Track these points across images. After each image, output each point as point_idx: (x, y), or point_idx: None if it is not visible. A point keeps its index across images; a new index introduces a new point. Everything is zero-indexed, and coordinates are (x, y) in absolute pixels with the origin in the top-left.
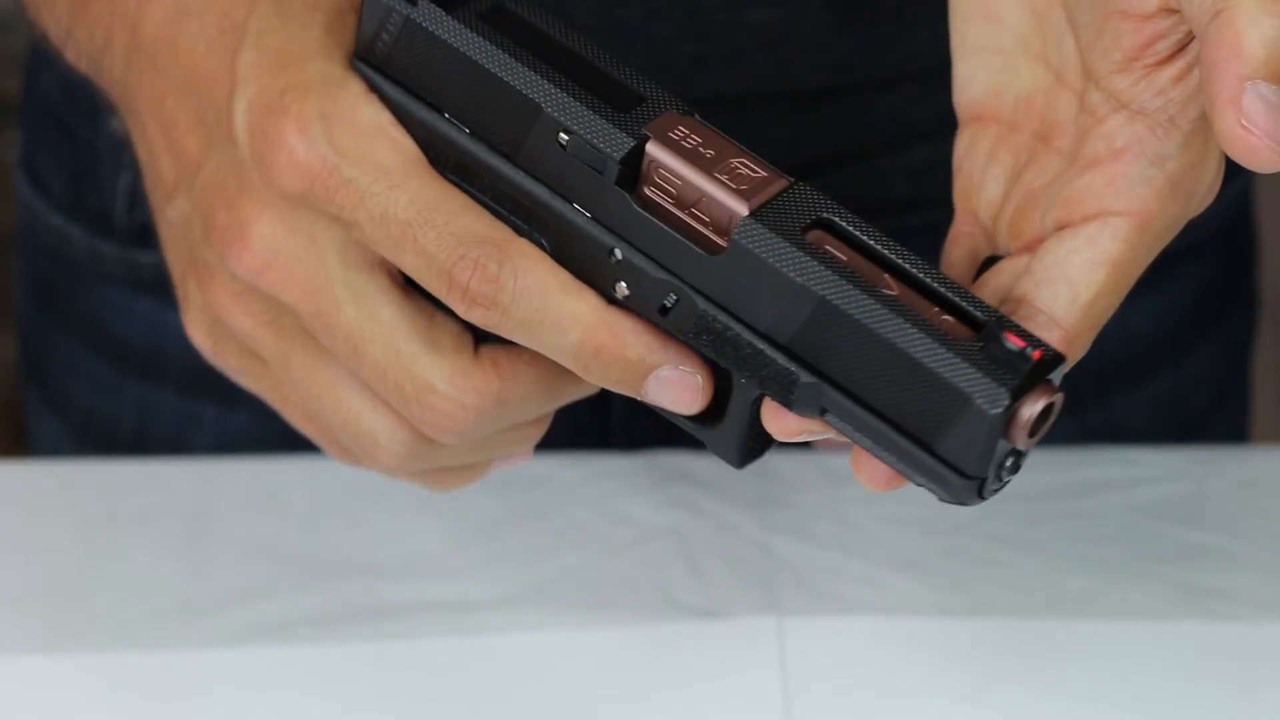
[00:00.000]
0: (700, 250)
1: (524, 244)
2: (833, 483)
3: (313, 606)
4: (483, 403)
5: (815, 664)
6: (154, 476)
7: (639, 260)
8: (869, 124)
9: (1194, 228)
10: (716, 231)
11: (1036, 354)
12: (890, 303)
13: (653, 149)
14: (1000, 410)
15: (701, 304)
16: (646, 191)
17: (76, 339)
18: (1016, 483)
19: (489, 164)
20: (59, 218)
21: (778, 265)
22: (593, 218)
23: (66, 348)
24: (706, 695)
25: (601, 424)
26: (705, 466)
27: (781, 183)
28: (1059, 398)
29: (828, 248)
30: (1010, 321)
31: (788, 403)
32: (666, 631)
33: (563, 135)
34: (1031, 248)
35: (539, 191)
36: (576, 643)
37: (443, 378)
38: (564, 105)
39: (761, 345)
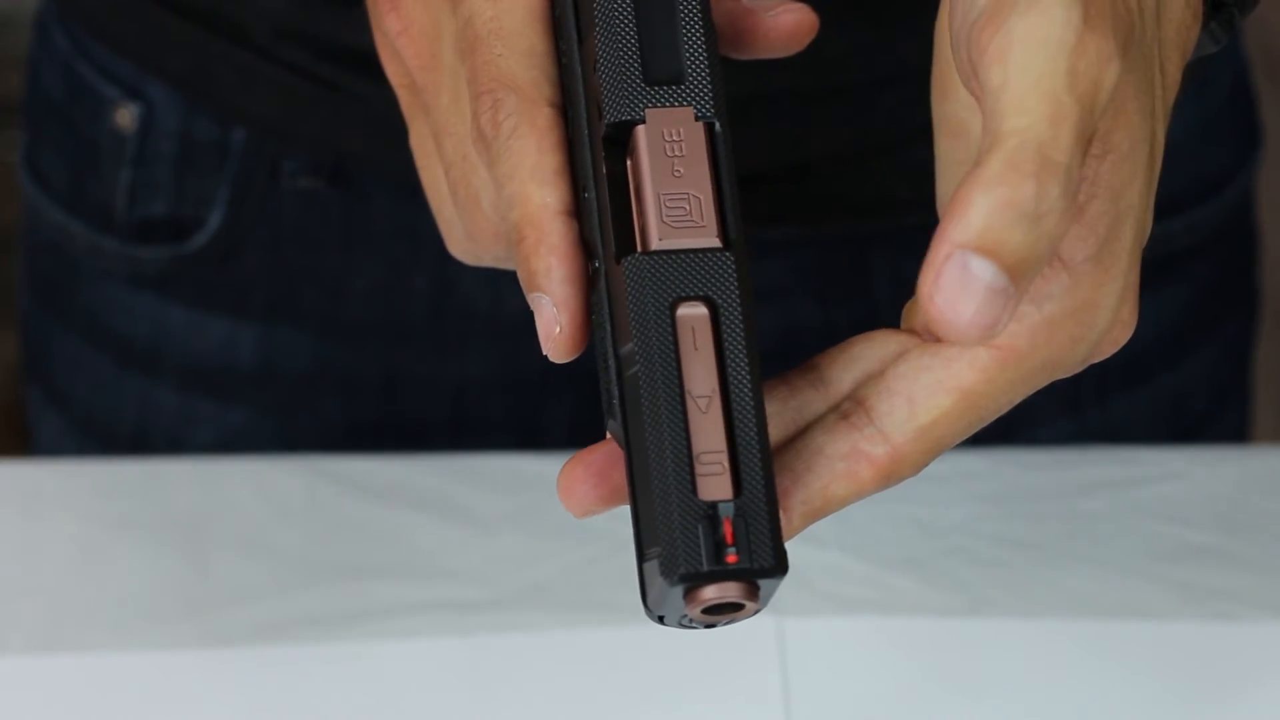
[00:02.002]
0: (615, 247)
1: (547, 112)
2: None
3: (313, 606)
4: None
5: (815, 664)
6: (154, 476)
7: (593, 210)
8: (869, 124)
9: (1194, 229)
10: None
11: (730, 558)
12: (673, 418)
13: (639, 136)
14: (673, 578)
15: (602, 288)
16: (628, 162)
17: (77, 335)
18: (1017, 483)
19: (566, 35)
20: (60, 213)
21: (629, 312)
22: (588, 142)
23: (67, 344)
24: (706, 695)
25: (602, 424)
26: None
27: (710, 241)
28: (750, 607)
29: (685, 328)
30: (758, 511)
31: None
32: (666, 631)
33: (597, 65)
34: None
35: (576, 89)
36: (576, 643)
37: (488, 198)
38: (610, 40)
39: (610, 361)
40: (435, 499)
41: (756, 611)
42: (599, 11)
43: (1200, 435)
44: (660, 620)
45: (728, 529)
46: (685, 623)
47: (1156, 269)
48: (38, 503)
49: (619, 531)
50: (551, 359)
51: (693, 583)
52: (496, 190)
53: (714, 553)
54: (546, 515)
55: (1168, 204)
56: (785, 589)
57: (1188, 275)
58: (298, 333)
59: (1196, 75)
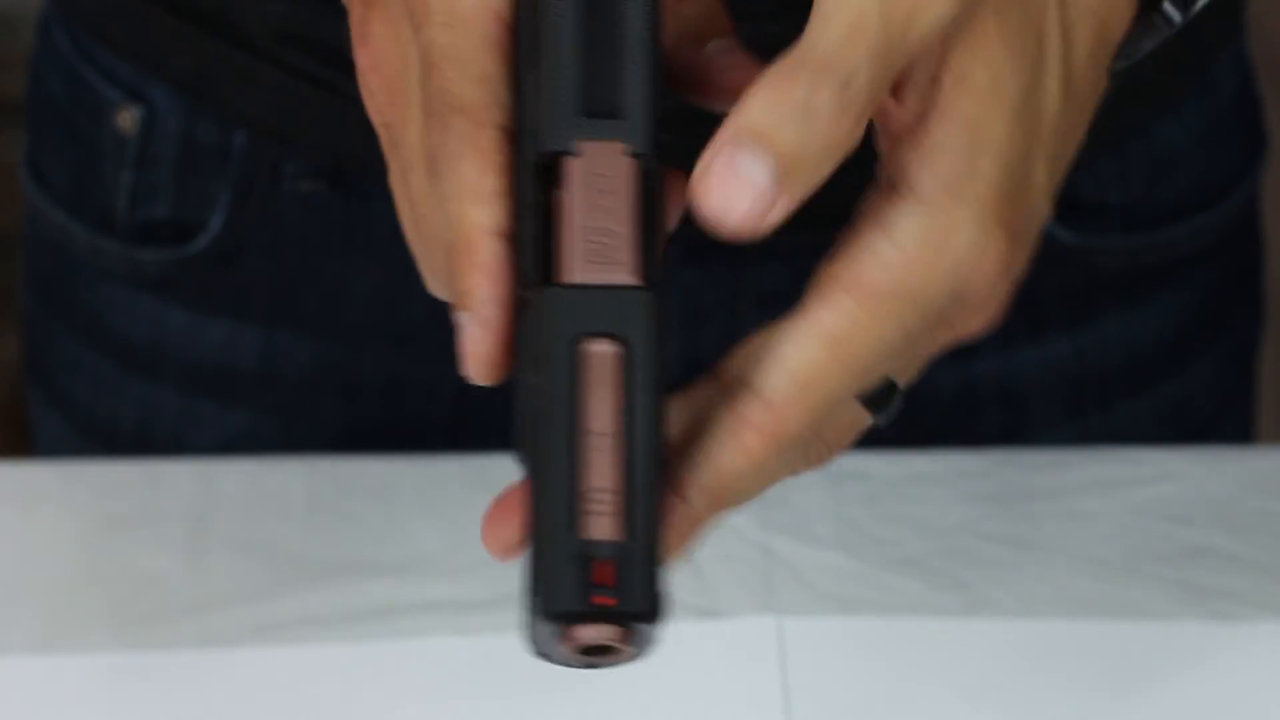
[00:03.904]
0: (535, 277)
1: (491, 134)
2: (833, 483)
3: (313, 606)
4: None
5: (815, 664)
6: (154, 476)
7: (523, 237)
8: (869, 128)
9: (1198, 235)
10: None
11: (601, 600)
12: (561, 454)
13: (568, 168)
14: (543, 616)
15: (526, 317)
16: (557, 193)
17: (78, 337)
18: (1017, 483)
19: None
20: (61, 215)
21: (532, 348)
22: (524, 169)
23: (68, 345)
24: (706, 695)
25: None
26: None
27: (627, 279)
28: (626, 651)
29: (592, 364)
30: (639, 554)
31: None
32: (666, 631)
33: (533, 88)
34: None
35: (524, 117)
36: None
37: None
38: (551, 70)
39: (520, 393)
40: (436, 499)
41: (636, 656)
42: (544, 41)
43: (1204, 442)
44: (545, 658)
45: (605, 570)
46: (566, 662)
47: (1160, 275)
48: (38, 503)
49: None
50: (472, 380)
51: (563, 621)
52: (441, 213)
53: (584, 593)
54: None
55: (1172, 210)
56: (785, 589)
57: (1191, 282)
58: (299, 335)
59: (1197, 74)
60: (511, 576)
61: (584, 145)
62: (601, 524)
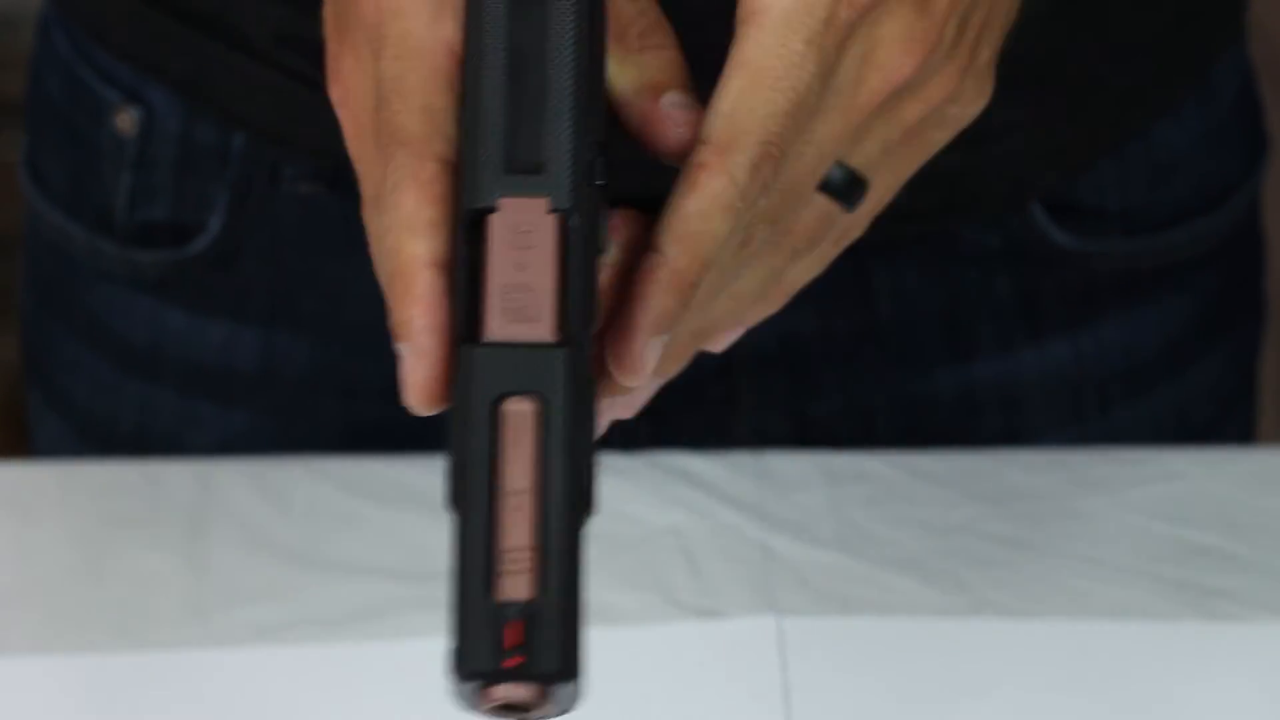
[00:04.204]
0: (461, 332)
1: (431, 167)
2: (833, 483)
3: (313, 606)
4: None
5: (815, 664)
6: (154, 476)
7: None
8: None
9: (1199, 239)
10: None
11: (511, 661)
12: (477, 514)
13: (490, 224)
14: (456, 676)
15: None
16: (479, 247)
17: (77, 338)
18: (1017, 483)
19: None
20: (60, 216)
21: (455, 405)
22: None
23: (67, 346)
24: (706, 695)
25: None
26: (705, 466)
27: (544, 336)
28: (542, 709)
29: (509, 422)
30: (552, 613)
31: None
32: (666, 631)
33: (463, 143)
34: None
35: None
36: None
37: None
38: (476, 125)
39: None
40: (436, 499)
41: (555, 714)
42: (470, 96)
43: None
44: (473, 712)
45: (515, 630)
46: (490, 717)
47: (1160, 279)
48: (37, 503)
49: (618, 533)
50: (413, 410)
51: (475, 680)
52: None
53: (495, 654)
54: None
55: (1172, 214)
56: (785, 589)
57: (1192, 285)
58: (297, 336)
59: (1197, 77)
60: None
61: (505, 202)
62: (516, 583)
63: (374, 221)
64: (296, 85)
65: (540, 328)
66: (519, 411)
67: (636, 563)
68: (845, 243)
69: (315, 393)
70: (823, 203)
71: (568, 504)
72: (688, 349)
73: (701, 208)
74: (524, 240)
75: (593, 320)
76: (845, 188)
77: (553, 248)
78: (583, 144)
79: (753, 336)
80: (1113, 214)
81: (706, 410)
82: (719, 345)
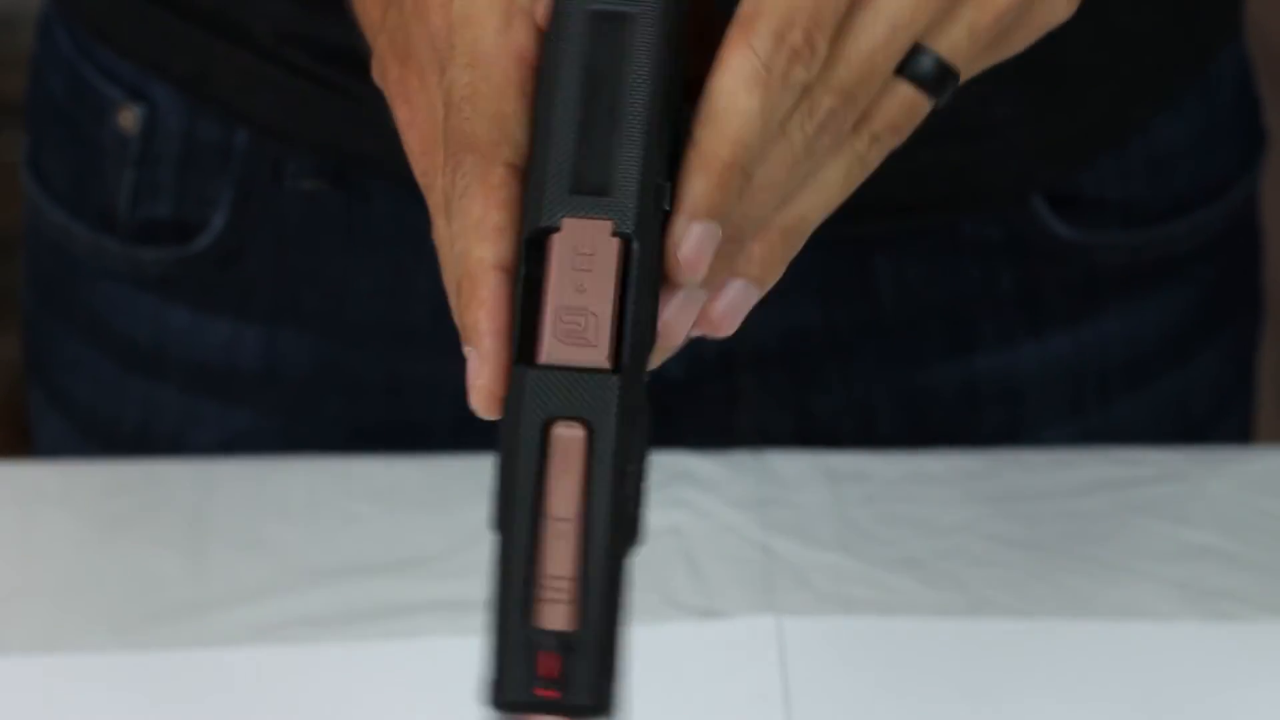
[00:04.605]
0: (517, 353)
1: (500, 172)
2: (833, 483)
3: (313, 606)
4: None
5: (815, 664)
6: (154, 476)
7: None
8: None
9: (1198, 232)
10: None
11: (543, 692)
12: (519, 540)
13: (551, 245)
14: (488, 704)
15: None
16: (542, 265)
17: (79, 336)
18: (1017, 483)
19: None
20: (63, 215)
21: (501, 429)
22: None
23: (69, 345)
24: (706, 695)
25: None
26: (705, 466)
27: (598, 361)
28: None
29: (558, 447)
30: (589, 646)
31: None
32: (666, 631)
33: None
34: None
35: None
36: None
37: None
38: (546, 145)
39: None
40: (436, 499)
41: None
42: (541, 111)
43: (1203, 438)
44: None
45: (551, 661)
46: None
47: (1160, 271)
48: (38, 503)
49: None
50: (478, 413)
51: (506, 710)
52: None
53: (529, 684)
54: None
55: (1172, 206)
56: (785, 589)
57: (1191, 278)
58: (301, 335)
59: (1196, 72)
60: None
61: (569, 222)
62: (555, 613)
63: (442, 229)
64: (300, 82)
65: (595, 353)
66: (568, 437)
67: (637, 563)
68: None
69: (318, 391)
70: (908, 91)
71: (611, 535)
72: (782, 246)
73: (725, 84)
74: (585, 262)
75: (651, 348)
76: (934, 78)
77: (613, 272)
78: (651, 170)
79: (754, 332)
80: (1113, 206)
81: (708, 408)
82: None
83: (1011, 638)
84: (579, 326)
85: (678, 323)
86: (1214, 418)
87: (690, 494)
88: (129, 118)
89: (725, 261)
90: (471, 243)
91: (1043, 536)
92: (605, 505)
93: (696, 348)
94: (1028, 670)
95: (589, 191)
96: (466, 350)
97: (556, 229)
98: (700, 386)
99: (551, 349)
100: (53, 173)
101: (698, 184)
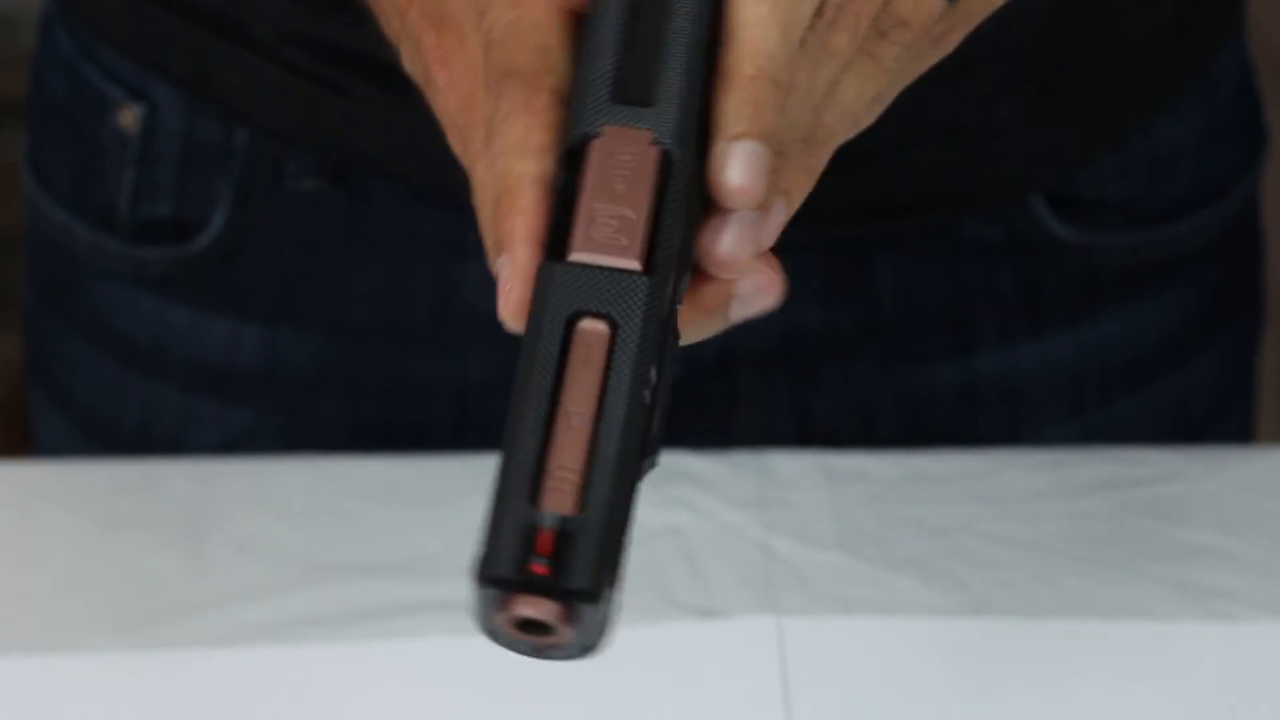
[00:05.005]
0: (548, 252)
1: (544, 97)
2: (833, 483)
3: (313, 606)
4: None
5: (815, 664)
6: (154, 476)
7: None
8: (871, 127)
9: (1199, 232)
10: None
11: (536, 568)
12: (531, 426)
13: (590, 149)
14: (477, 579)
15: None
16: (580, 171)
17: (80, 335)
18: (1017, 483)
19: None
20: (63, 214)
21: (530, 318)
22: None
23: (70, 344)
24: (706, 695)
25: None
26: (705, 466)
27: (629, 263)
28: (565, 633)
29: (581, 342)
30: (591, 531)
31: None
32: (666, 631)
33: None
34: None
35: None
36: None
37: None
38: (592, 55)
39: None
40: (437, 499)
41: (581, 646)
42: (589, 24)
43: (1204, 438)
44: (493, 636)
45: (546, 540)
46: (514, 645)
47: (1161, 272)
48: (38, 503)
49: None
50: (507, 326)
51: (495, 587)
52: (491, 174)
53: (522, 560)
54: None
55: (1173, 207)
56: (785, 589)
57: (1192, 278)
58: (301, 334)
59: (1197, 72)
60: None
61: (609, 129)
62: (559, 499)
63: (483, 171)
64: (301, 81)
65: (626, 255)
66: (591, 331)
67: (636, 563)
68: (943, 46)
69: (318, 390)
70: None
71: (624, 432)
72: (806, 157)
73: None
74: (623, 168)
75: (685, 267)
76: None
77: (650, 179)
78: (694, 84)
79: (754, 333)
80: (1113, 207)
81: (708, 408)
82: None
83: (1011, 638)
84: (613, 230)
85: (737, 249)
86: (1214, 418)
87: (690, 494)
88: (129, 117)
89: (776, 179)
90: (513, 161)
91: (1043, 536)
92: (622, 403)
93: (697, 348)
94: (1028, 670)
95: (631, 102)
96: (499, 262)
97: (597, 135)
98: (700, 386)
99: (583, 247)
100: (53, 172)
101: (728, 103)
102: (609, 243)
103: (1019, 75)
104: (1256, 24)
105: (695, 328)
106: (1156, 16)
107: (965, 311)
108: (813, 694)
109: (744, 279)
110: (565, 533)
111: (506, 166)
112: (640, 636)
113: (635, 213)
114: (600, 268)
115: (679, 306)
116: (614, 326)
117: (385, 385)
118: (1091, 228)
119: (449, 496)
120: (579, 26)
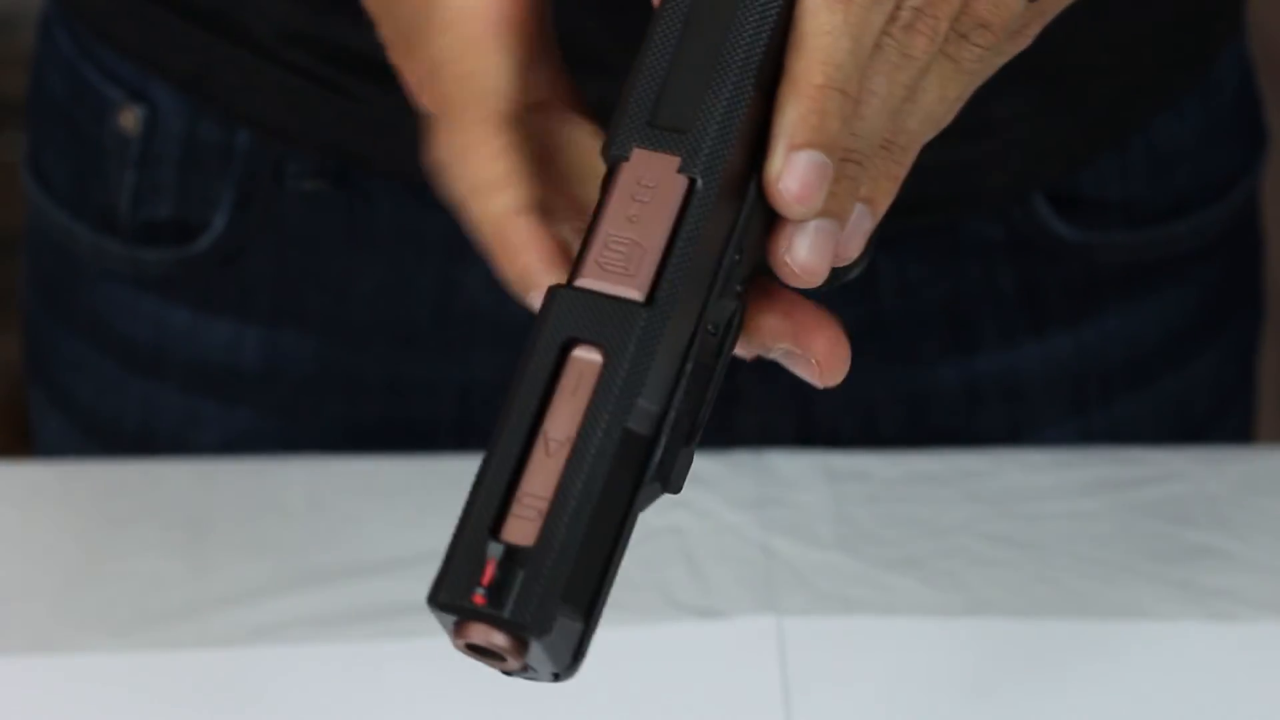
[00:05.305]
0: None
1: (481, 126)
2: (833, 483)
3: (313, 606)
4: None
5: (815, 664)
6: (155, 476)
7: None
8: None
9: (1199, 231)
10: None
11: (477, 598)
12: (505, 451)
13: (617, 171)
14: (430, 601)
15: None
16: (605, 193)
17: (81, 336)
18: (1017, 483)
19: None
20: (64, 215)
21: (527, 343)
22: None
23: (71, 345)
24: (706, 695)
25: None
26: (705, 466)
27: (631, 293)
28: (513, 661)
29: (573, 369)
30: (541, 564)
31: None
32: (666, 631)
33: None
34: None
35: None
36: None
37: None
38: (636, 77)
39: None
40: (436, 499)
41: (548, 672)
42: (645, 41)
43: (1204, 437)
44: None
45: (490, 569)
46: (486, 664)
47: (1161, 271)
48: (38, 503)
49: None
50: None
51: (438, 609)
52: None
53: (465, 588)
54: None
55: (1173, 206)
56: (785, 589)
57: (1193, 277)
58: (302, 335)
59: (1197, 71)
60: None
61: (638, 153)
62: (520, 527)
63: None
64: (302, 82)
65: (631, 283)
66: (583, 360)
67: (636, 563)
68: (1020, 40)
69: (319, 391)
70: None
71: (596, 463)
72: (888, 163)
73: (808, 5)
74: (645, 194)
75: (726, 293)
76: None
77: (671, 209)
78: (733, 116)
79: None
80: (1114, 206)
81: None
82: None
83: (1011, 638)
84: (623, 256)
85: (812, 259)
86: (1215, 417)
87: (690, 494)
88: (130, 118)
89: (851, 187)
90: (484, 202)
91: (1043, 536)
92: (598, 434)
93: None
94: (1028, 670)
95: (667, 126)
96: (529, 299)
97: (625, 159)
98: None
99: (589, 273)
100: (53, 173)
101: (791, 111)
102: (615, 270)
103: (1020, 74)
104: (1257, 24)
105: (760, 335)
106: (1157, 16)
107: (966, 310)
108: (813, 694)
109: (818, 340)
110: (512, 563)
111: (482, 209)
112: (640, 636)
113: (647, 241)
114: (602, 294)
115: (717, 331)
116: (607, 356)
117: (386, 386)
118: (1092, 227)
119: (449, 497)
120: (529, 29)
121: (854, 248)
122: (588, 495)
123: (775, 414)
